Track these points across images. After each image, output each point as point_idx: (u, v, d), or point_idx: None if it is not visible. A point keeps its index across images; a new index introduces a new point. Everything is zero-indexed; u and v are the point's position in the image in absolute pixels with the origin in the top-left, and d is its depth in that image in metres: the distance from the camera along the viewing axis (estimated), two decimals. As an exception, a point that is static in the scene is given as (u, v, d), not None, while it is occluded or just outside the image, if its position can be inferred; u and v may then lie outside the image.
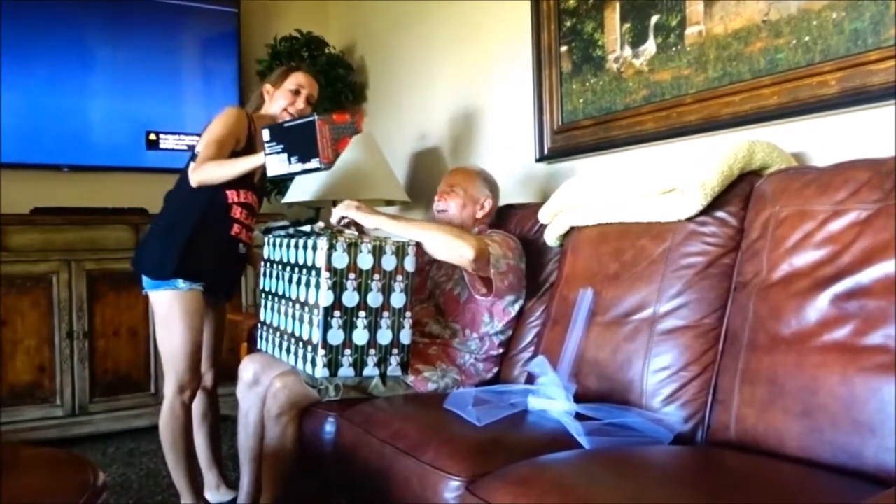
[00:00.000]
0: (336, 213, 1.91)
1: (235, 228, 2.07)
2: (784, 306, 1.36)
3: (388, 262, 1.74)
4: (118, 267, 3.07)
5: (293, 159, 1.85)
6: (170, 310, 2.01)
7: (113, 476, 2.58)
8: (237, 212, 2.07)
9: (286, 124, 1.90)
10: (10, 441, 1.86)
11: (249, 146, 2.05)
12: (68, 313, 2.98)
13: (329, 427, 1.78)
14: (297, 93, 2.14)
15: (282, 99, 2.14)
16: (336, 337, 1.70)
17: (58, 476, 1.20)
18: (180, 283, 2.00)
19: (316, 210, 3.40)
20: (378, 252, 1.73)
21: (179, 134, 3.55)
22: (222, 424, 2.40)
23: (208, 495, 2.29)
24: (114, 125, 3.42)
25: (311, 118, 1.81)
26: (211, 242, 2.05)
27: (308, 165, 1.83)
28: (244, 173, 1.96)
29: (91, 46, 3.37)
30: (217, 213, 2.04)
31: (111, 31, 3.39)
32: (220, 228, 2.05)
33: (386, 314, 1.75)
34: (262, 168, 1.94)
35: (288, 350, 1.89)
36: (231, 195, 2.04)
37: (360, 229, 1.88)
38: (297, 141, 1.84)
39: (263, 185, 2.24)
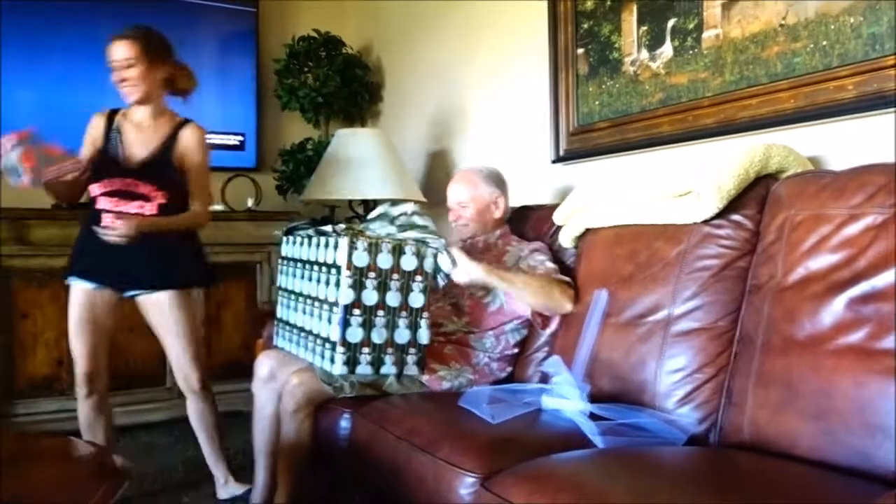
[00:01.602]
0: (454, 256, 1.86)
1: (107, 219, 2.09)
2: (799, 309, 1.37)
3: (408, 263, 1.76)
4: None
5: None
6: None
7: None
8: (103, 202, 2.11)
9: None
10: (33, 431, 1.89)
11: (107, 142, 2.18)
12: (87, 308, 3.01)
13: (344, 423, 1.80)
14: (116, 68, 2.13)
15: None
16: (355, 335, 1.72)
17: (80, 465, 1.22)
18: (70, 279, 2.16)
19: (331, 208, 3.43)
20: (398, 252, 1.74)
21: (197, 132, 3.59)
22: (237, 420, 2.42)
23: (220, 492, 2.31)
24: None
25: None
26: (84, 238, 2.17)
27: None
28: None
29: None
30: (91, 210, 2.16)
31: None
32: (92, 223, 2.11)
33: (404, 314, 1.77)
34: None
35: (305, 347, 1.91)
36: (92, 189, 2.13)
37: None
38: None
39: (155, 165, 2.14)
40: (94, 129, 2.22)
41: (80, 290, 2.16)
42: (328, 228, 1.88)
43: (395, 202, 2.00)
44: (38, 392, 2.94)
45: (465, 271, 1.81)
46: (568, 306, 1.89)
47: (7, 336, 2.89)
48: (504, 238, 2.19)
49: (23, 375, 2.92)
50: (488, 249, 2.17)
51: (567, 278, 1.95)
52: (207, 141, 2.23)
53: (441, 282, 1.83)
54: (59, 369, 2.98)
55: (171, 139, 2.16)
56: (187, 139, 2.17)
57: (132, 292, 2.20)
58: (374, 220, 1.94)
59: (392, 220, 1.90)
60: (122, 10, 3.40)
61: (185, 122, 2.22)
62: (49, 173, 1.89)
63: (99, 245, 2.04)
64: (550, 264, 2.00)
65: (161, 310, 2.19)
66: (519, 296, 1.91)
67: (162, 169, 2.14)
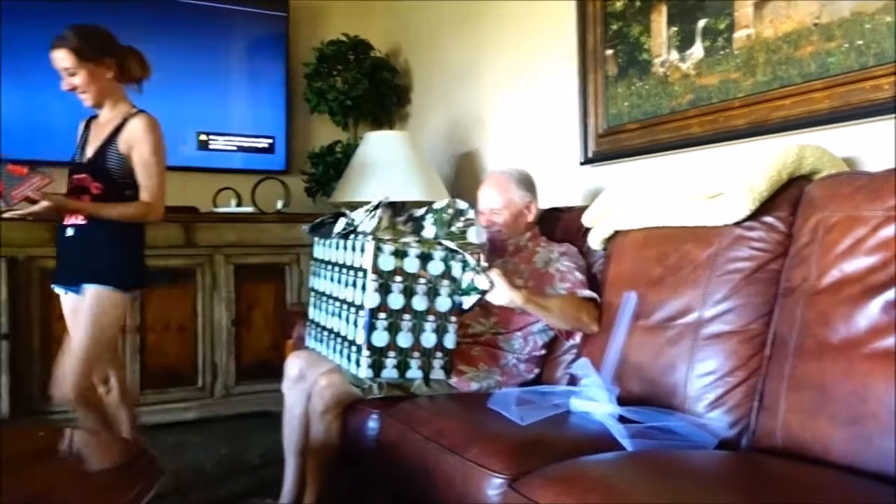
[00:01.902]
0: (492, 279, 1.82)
1: (68, 218, 2.11)
2: (833, 312, 1.34)
3: (435, 268, 1.76)
4: (169, 264, 3.17)
5: None
6: None
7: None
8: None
9: None
10: (72, 428, 1.93)
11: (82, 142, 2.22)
12: (121, 308, 3.08)
13: (372, 424, 1.81)
14: (62, 77, 2.10)
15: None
16: (380, 338, 1.72)
17: (118, 461, 1.25)
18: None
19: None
20: (425, 257, 1.75)
21: (228, 135, 3.65)
22: (266, 420, 2.43)
23: None
24: (166, 126, 3.48)
25: None
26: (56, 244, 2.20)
27: None
28: None
29: (144, 49, 3.46)
30: None
31: (163, 35, 3.49)
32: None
33: (431, 318, 1.77)
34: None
35: (334, 348, 1.93)
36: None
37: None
38: None
39: (97, 159, 2.13)
40: (78, 138, 2.27)
41: (60, 298, 2.23)
42: (355, 216, 1.89)
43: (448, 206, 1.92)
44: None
45: (503, 296, 1.76)
46: (594, 328, 1.90)
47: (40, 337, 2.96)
48: (533, 240, 2.19)
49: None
50: (518, 251, 2.17)
51: (593, 294, 1.95)
52: (159, 131, 2.15)
53: (472, 300, 1.79)
54: (94, 368, 3.04)
55: (117, 131, 2.12)
56: (131, 129, 2.11)
57: (72, 290, 2.16)
58: (423, 217, 1.91)
59: (447, 223, 1.86)
60: (156, 15, 3.47)
61: (136, 113, 2.16)
62: (18, 195, 1.93)
63: (59, 249, 2.13)
64: (579, 274, 2.00)
65: (79, 306, 2.10)
66: (551, 322, 1.92)
67: (102, 161, 2.10)
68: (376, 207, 1.91)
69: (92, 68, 2.09)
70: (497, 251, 2.22)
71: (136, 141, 2.11)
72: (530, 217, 2.20)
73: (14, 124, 3.22)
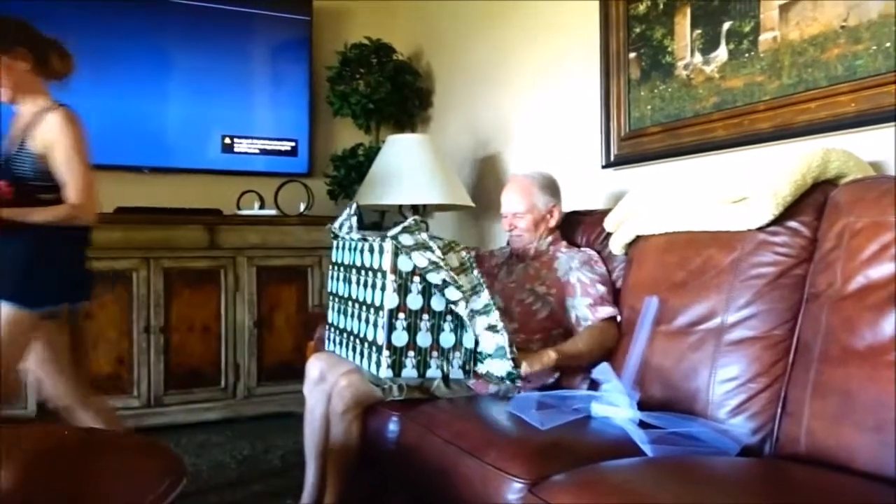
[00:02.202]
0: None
1: None
2: (859, 319, 1.33)
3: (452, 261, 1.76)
4: (193, 265, 3.21)
5: None
6: None
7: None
8: None
9: None
10: (99, 428, 1.96)
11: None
12: (146, 308, 3.12)
13: (392, 426, 1.82)
14: None
15: None
16: (400, 339, 1.74)
17: (143, 461, 1.27)
18: None
19: (381, 213, 3.47)
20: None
21: (252, 138, 3.69)
22: (289, 420, 2.44)
23: None
24: (191, 129, 3.57)
25: None
26: None
27: None
28: None
29: (170, 54, 3.53)
30: None
31: (189, 39, 3.55)
32: None
33: (449, 317, 1.78)
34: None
35: (353, 349, 1.94)
36: None
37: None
38: None
39: (10, 159, 2.00)
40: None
41: None
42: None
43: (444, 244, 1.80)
44: (100, 390, 3.05)
45: (533, 368, 1.79)
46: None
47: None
48: (555, 244, 2.18)
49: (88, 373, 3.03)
50: (539, 256, 2.17)
51: (613, 312, 1.95)
52: (78, 124, 1.99)
53: (512, 382, 1.81)
54: (120, 368, 3.09)
55: (32, 127, 1.97)
56: (48, 125, 1.96)
57: None
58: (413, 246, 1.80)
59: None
60: (183, 20, 3.52)
61: (53, 107, 2.00)
62: None
63: None
64: (601, 287, 2.00)
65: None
66: (584, 362, 1.90)
67: (14, 162, 1.97)
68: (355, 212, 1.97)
69: (6, 60, 1.96)
70: (518, 255, 2.23)
71: (53, 137, 1.95)
72: (553, 222, 2.19)
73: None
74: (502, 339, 1.73)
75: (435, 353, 1.78)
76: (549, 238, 2.20)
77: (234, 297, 3.29)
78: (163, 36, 3.50)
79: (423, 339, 1.76)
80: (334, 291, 2.14)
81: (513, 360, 1.72)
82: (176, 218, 3.22)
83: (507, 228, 2.23)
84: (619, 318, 1.95)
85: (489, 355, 1.78)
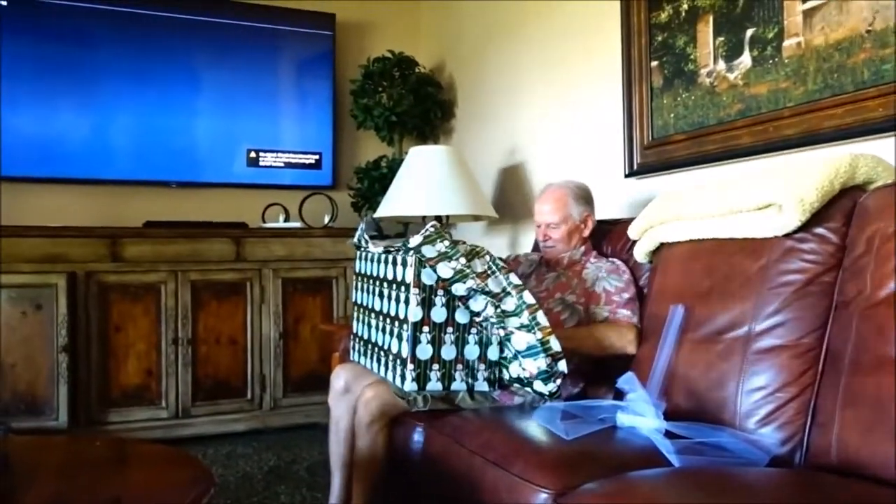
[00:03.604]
0: None
1: None
2: (890, 326, 1.30)
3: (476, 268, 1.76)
4: (220, 278, 3.25)
5: None
6: None
7: (212, 476, 2.72)
8: None
9: None
10: (128, 438, 2.00)
11: None
12: (174, 320, 3.17)
13: (417, 436, 1.82)
14: None
15: None
16: (424, 352, 1.74)
17: (173, 471, 1.29)
18: None
19: (405, 224, 3.49)
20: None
21: (277, 152, 3.73)
22: (314, 431, 2.45)
23: None
24: (217, 144, 3.63)
25: None
26: None
27: None
28: None
29: (197, 70, 3.60)
30: None
31: (215, 55, 3.61)
32: None
33: (473, 330, 1.78)
34: None
35: (378, 361, 1.95)
36: None
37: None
38: None
39: None
40: None
41: None
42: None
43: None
44: (130, 401, 3.11)
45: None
46: (630, 349, 1.91)
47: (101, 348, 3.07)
48: (587, 254, 2.19)
49: (116, 385, 3.08)
50: (572, 265, 2.16)
51: (631, 317, 1.95)
52: None
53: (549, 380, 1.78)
54: (148, 379, 3.13)
55: None
56: None
57: None
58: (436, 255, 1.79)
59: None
60: (210, 38, 3.59)
61: None
62: None
63: None
64: (626, 295, 2.00)
65: None
66: (585, 353, 1.92)
67: None
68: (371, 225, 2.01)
69: None
70: (551, 265, 2.22)
71: None
72: (587, 232, 2.19)
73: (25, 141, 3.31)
74: (533, 337, 1.71)
75: (460, 366, 1.77)
76: (583, 248, 2.19)
77: (259, 309, 3.33)
78: (189, 53, 3.57)
79: (448, 353, 1.76)
80: (359, 302, 2.15)
81: (551, 356, 1.71)
82: (203, 231, 3.27)
83: (540, 238, 2.23)
84: (638, 326, 1.94)
85: (520, 354, 1.75)
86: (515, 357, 1.77)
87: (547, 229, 2.19)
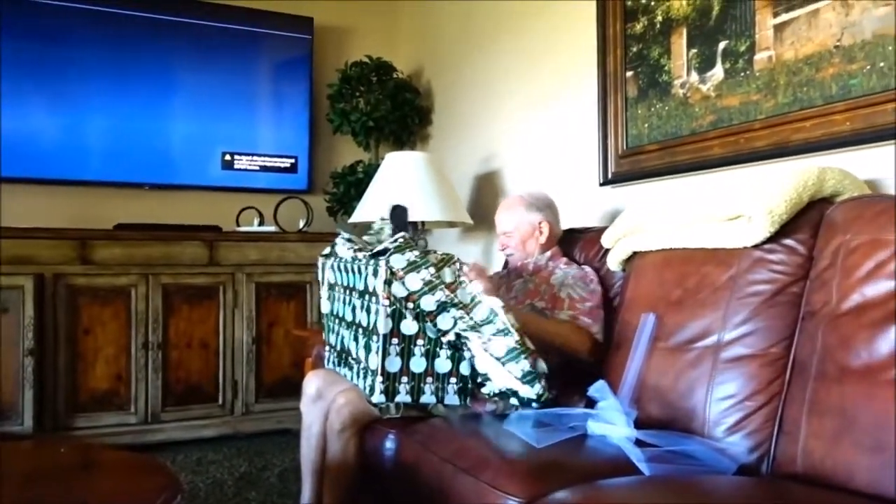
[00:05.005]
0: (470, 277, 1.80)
1: None
2: (855, 337, 1.33)
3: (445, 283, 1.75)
4: (192, 282, 3.22)
5: None
6: None
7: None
8: None
9: None
10: (94, 444, 1.96)
11: None
12: (145, 324, 3.12)
13: (389, 444, 1.81)
14: None
15: None
16: (393, 364, 1.72)
17: (139, 478, 1.27)
18: None
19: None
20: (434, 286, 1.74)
21: (253, 155, 3.71)
22: (286, 437, 2.44)
23: None
24: (192, 146, 3.59)
25: None
26: None
27: None
28: None
29: (173, 71, 3.56)
30: None
31: (192, 57, 3.58)
32: None
33: (445, 343, 1.77)
34: None
35: (350, 368, 1.94)
36: None
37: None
38: None
39: None
40: None
41: None
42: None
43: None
44: (98, 406, 3.05)
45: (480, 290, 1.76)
46: (583, 356, 1.93)
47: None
48: (554, 259, 2.20)
49: (84, 389, 3.03)
50: (539, 271, 2.18)
51: (592, 326, 1.97)
52: None
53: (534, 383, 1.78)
54: (118, 384, 3.09)
55: None
56: None
57: None
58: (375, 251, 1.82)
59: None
60: (188, 38, 3.56)
61: None
62: None
63: None
64: (590, 304, 2.01)
65: None
66: (535, 339, 1.85)
67: None
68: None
69: None
70: (517, 271, 2.23)
71: None
72: (543, 238, 2.21)
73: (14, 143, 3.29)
74: (512, 339, 1.71)
75: (430, 379, 1.76)
76: (548, 253, 2.21)
77: (232, 314, 3.30)
78: (166, 53, 3.53)
79: (417, 365, 1.74)
80: (332, 312, 2.13)
81: (531, 355, 1.69)
82: (176, 234, 3.23)
83: (500, 248, 2.28)
84: (597, 336, 1.96)
85: (502, 360, 1.73)
86: (502, 364, 1.75)
87: (503, 238, 2.26)
